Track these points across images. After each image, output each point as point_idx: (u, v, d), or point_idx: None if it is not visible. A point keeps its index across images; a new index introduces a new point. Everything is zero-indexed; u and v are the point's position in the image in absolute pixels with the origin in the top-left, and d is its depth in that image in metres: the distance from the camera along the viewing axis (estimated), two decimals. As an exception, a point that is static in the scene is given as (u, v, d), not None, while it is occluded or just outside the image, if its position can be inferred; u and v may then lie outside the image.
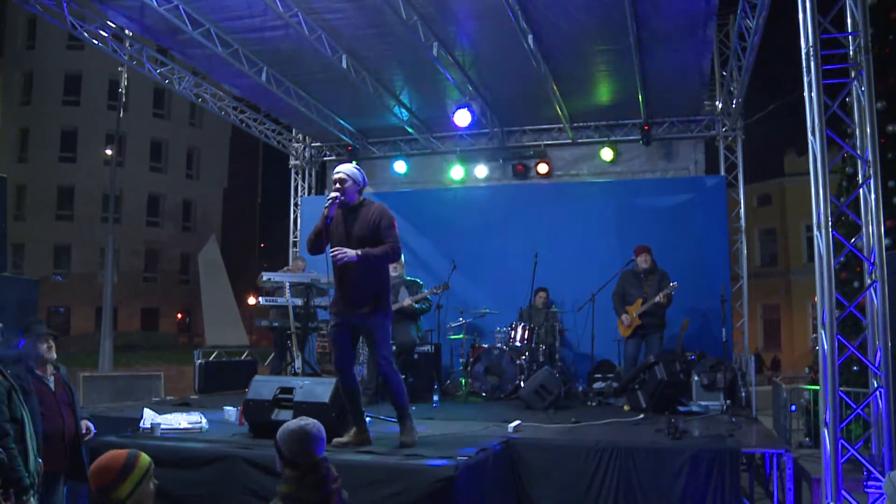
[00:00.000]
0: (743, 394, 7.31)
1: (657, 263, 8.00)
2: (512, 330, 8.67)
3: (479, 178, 10.99)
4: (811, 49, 4.53)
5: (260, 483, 4.17)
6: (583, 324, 8.74)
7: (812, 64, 4.53)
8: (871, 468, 4.45)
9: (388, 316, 4.76)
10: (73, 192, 31.68)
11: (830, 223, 4.46)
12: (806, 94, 4.57)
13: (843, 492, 4.28)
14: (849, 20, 4.69)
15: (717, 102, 9.93)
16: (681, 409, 6.68)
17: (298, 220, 11.94)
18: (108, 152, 26.97)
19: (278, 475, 2.83)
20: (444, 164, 11.16)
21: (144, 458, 2.65)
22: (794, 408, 7.49)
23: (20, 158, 31.54)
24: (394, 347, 7.86)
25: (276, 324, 8.25)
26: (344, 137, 11.19)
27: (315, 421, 2.89)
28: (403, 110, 10.19)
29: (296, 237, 11.92)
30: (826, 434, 4.35)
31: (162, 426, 5.08)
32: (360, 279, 4.62)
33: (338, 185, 4.68)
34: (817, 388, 4.96)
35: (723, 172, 10.08)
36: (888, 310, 4.48)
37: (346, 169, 4.75)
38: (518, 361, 8.28)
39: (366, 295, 4.64)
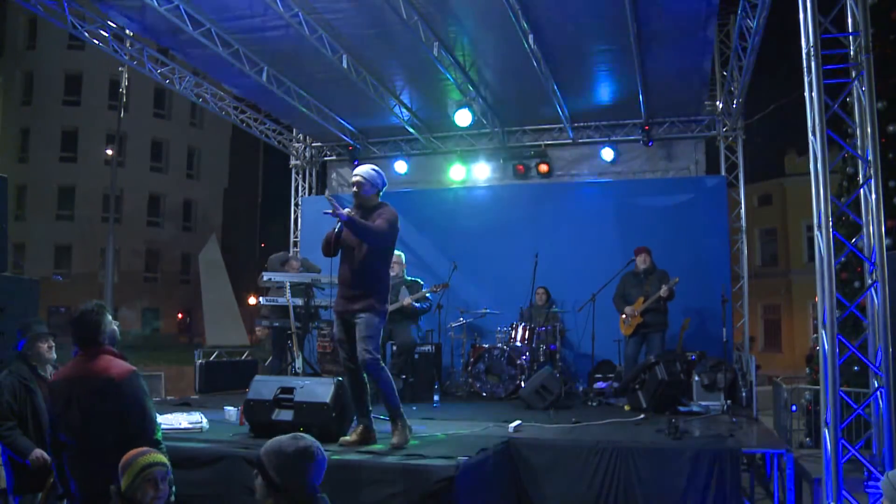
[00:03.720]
0: (743, 394, 7.31)
1: (657, 264, 8.02)
2: (512, 330, 8.68)
3: (479, 177, 10.99)
4: (812, 49, 4.53)
5: (260, 483, 4.17)
6: (583, 324, 8.75)
7: (813, 64, 4.53)
8: (872, 468, 4.45)
9: (379, 313, 4.75)
10: (74, 191, 31.67)
11: (831, 223, 4.45)
12: (806, 94, 4.57)
13: (843, 492, 4.28)
14: (849, 20, 4.69)
15: (717, 102, 9.92)
16: (681, 409, 6.68)
17: (299, 220, 11.94)
18: (109, 152, 26.96)
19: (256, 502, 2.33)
20: (445, 164, 11.16)
21: (147, 458, 2.73)
22: (794, 408, 7.50)
23: (21, 158, 31.55)
24: (394, 347, 7.92)
25: (277, 324, 8.25)
26: (344, 137, 11.19)
27: (316, 442, 2.40)
28: (404, 110, 10.19)
29: (296, 237, 11.92)
30: (827, 434, 4.35)
31: (162, 426, 5.06)
32: (355, 274, 4.73)
33: (355, 189, 4.80)
34: (818, 387, 4.96)
35: (723, 172, 10.07)
36: (889, 310, 4.48)
37: (362, 171, 4.87)
38: (518, 361, 8.28)
39: (358, 289, 4.71)
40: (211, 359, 9.69)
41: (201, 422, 5.30)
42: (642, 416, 6.49)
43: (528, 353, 8.39)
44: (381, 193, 4.93)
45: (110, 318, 3.40)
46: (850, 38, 4.69)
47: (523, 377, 8.10)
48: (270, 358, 9.22)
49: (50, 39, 30.29)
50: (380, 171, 4.96)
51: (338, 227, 4.73)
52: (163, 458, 2.80)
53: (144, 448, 2.81)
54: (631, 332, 7.86)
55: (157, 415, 5.18)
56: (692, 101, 9.70)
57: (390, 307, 5.84)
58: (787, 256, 26.89)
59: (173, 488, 2.83)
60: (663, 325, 7.83)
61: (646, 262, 7.97)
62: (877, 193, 4.58)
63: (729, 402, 6.81)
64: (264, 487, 2.29)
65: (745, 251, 10.13)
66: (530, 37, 7.57)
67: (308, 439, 2.37)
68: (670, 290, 7.65)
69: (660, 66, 8.41)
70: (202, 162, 35.96)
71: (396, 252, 6.72)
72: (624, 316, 7.91)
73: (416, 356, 8.11)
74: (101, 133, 30.88)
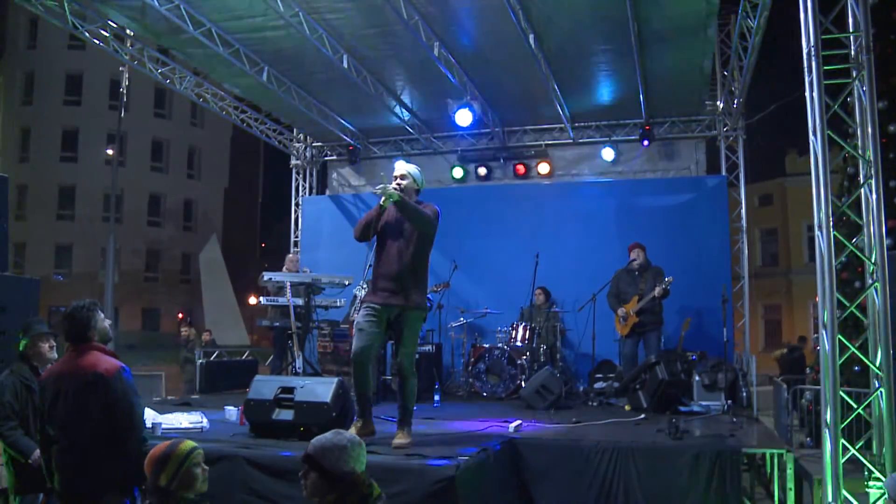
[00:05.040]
0: (744, 394, 7.31)
1: (654, 261, 8.02)
2: (513, 330, 8.67)
3: (479, 177, 11.01)
4: (812, 49, 4.53)
5: (261, 483, 4.17)
6: (584, 324, 8.74)
7: (813, 64, 4.53)
8: (872, 468, 4.45)
9: (426, 311, 4.84)
10: (75, 191, 31.68)
11: (831, 223, 4.45)
12: (807, 93, 4.57)
13: (843, 492, 4.28)
14: (850, 20, 4.68)
15: (718, 102, 9.93)
16: (682, 409, 6.68)
17: (299, 219, 11.95)
18: (110, 152, 26.97)
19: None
20: (445, 163, 11.17)
21: (184, 446, 2.77)
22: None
23: (21, 158, 31.57)
24: (395, 347, 7.91)
25: (277, 323, 8.25)
26: (345, 137, 11.20)
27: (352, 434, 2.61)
28: (404, 110, 10.19)
29: (296, 237, 11.92)
30: (827, 434, 4.35)
31: (162, 426, 5.08)
32: (405, 266, 4.70)
33: (399, 181, 4.79)
34: (818, 387, 4.96)
35: (724, 172, 10.07)
36: (889, 310, 4.48)
37: (409, 169, 4.91)
38: (519, 361, 8.28)
39: (411, 281, 4.71)
40: (211, 359, 9.70)
41: (201, 421, 5.30)
42: (643, 416, 6.49)
43: (528, 353, 8.39)
44: (419, 192, 4.94)
45: (102, 315, 3.41)
46: (851, 37, 4.69)
47: (523, 377, 8.10)
48: (272, 357, 9.22)
49: (50, 39, 30.31)
50: (421, 171, 5.03)
51: (382, 204, 4.71)
52: (194, 443, 2.85)
53: (170, 441, 2.81)
54: (627, 331, 7.85)
55: (157, 413, 5.23)
56: (692, 101, 9.70)
57: None
58: (788, 256, 26.89)
59: None
60: (659, 322, 7.83)
61: (639, 257, 7.95)
62: (877, 193, 4.58)
63: (729, 402, 6.81)
64: (319, 483, 2.39)
65: (746, 251, 10.12)
66: (530, 37, 7.57)
67: (346, 432, 2.57)
68: (665, 290, 7.63)
69: (660, 66, 8.42)
70: (202, 162, 35.96)
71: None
72: (619, 315, 7.91)
73: (417, 356, 8.09)
74: (102, 133, 30.87)
